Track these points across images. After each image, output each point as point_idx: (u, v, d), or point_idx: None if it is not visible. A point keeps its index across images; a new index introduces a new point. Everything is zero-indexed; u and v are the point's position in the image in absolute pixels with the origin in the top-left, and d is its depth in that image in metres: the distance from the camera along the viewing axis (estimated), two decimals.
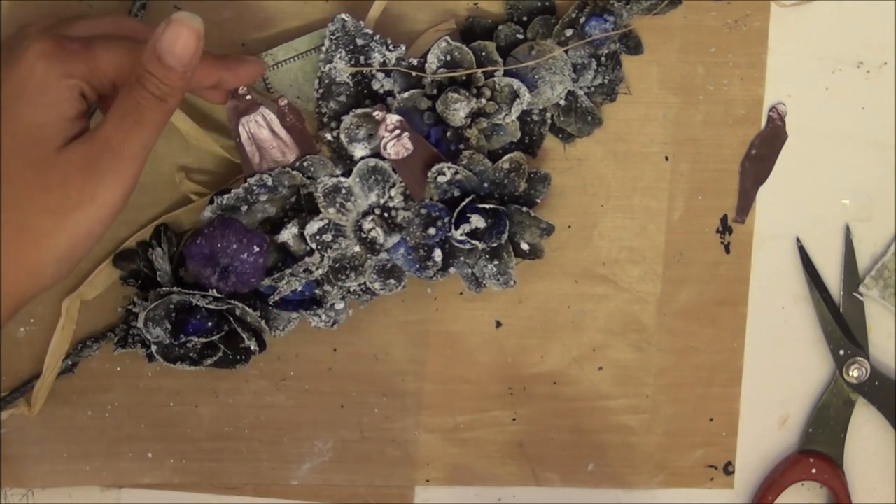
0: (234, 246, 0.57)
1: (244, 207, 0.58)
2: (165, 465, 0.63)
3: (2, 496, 0.62)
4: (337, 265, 0.59)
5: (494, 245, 0.59)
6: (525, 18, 0.60)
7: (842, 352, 0.65)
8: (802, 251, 0.65)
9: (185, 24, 0.49)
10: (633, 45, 0.61)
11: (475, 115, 0.58)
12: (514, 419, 0.64)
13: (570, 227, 0.63)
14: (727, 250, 0.64)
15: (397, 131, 0.56)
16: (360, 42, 0.57)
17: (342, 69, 0.58)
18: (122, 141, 0.50)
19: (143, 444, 0.62)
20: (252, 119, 0.57)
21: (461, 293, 0.63)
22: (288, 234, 0.58)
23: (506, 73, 0.59)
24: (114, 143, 0.50)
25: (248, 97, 0.57)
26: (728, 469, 0.65)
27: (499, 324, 0.63)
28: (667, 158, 0.63)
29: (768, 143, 0.64)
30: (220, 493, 0.63)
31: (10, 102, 0.49)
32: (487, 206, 0.58)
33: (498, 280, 0.60)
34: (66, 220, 0.49)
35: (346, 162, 0.58)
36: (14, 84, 0.50)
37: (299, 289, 0.60)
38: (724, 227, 0.64)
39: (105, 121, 0.50)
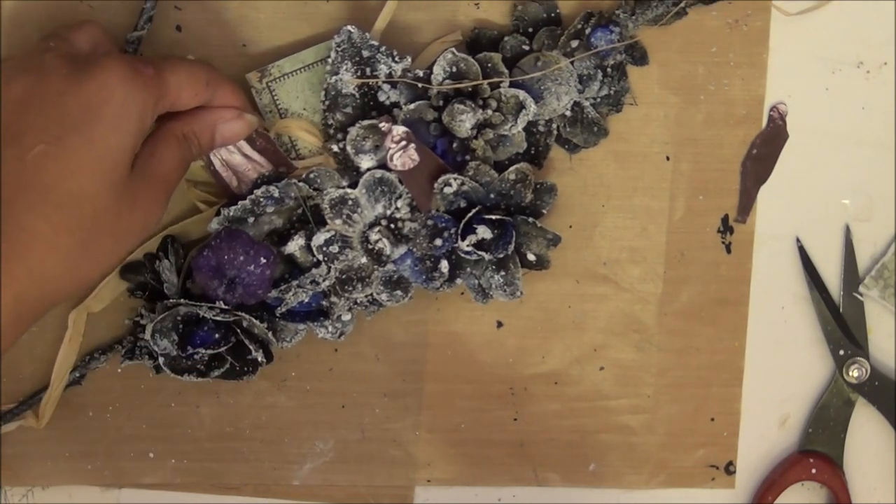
0: (241, 258, 0.57)
1: (251, 219, 0.58)
2: (167, 465, 0.63)
3: (2, 496, 0.62)
4: (343, 276, 0.59)
5: (501, 256, 0.59)
6: (531, 30, 0.60)
7: (842, 352, 0.65)
8: (802, 251, 0.65)
9: (249, 124, 0.56)
10: (638, 55, 0.61)
11: (481, 127, 0.58)
12: (514, 419, 0.64)
13: (570, 227, 0.63)
14: (728, 250, 0.64)
15: (403, 143, 0.56)
16: (366, 54, 0.57)
17: (348, 81, 0.58)
18: (172, 182, 0.54)
19: (144, 444, 0.62)
20: (222, 147, 0.57)
21: (462, 293, 0.63)
22: (295, 246, 0.58)
23: (512, 85, 0.59)
24: (169, 182, 0.53)
25: None
26: (729, 469, 0.65)
27: (500, 324, 0.63)
28: (668, 158, 0.63)
29: (769, 142, 0.64)
30: (221, 493, 0.63)
31: (85, 124, 0.49)
32: (494, 216, 0.58)
33: (504, 291, 0.60)
34: (124, 243, 0.52)
35: (352, 173, 0.58)
36: (89, 105, 0.49)
37: (306, 300, 0.60)
38: (725, 227, 0.64)
39: (161, 160, 0.53)
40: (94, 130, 0.49)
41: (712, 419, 0.65)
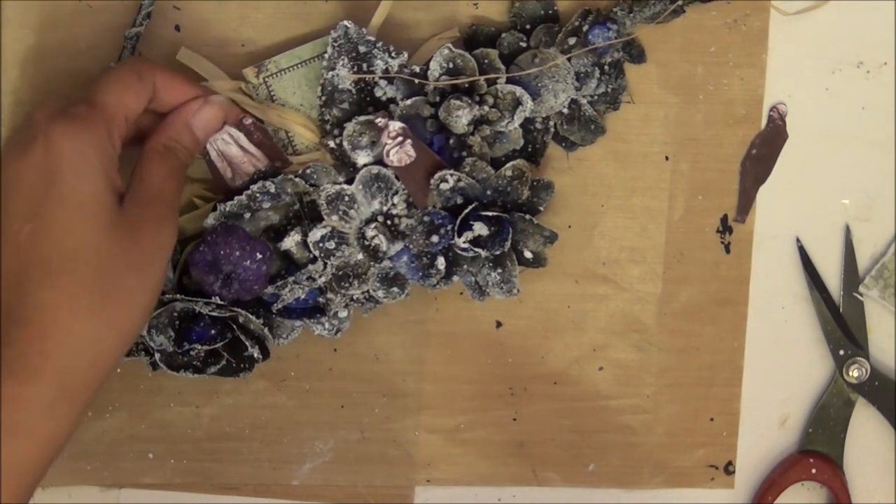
0: (238, 253, 0.57)
1: (247, 215, 0.58)
2: (166, 465, 0.63)
3: None
4: (340, 273, 0.59)
5: (497, 253, 0.59)
6: (528, 26, 0.60)
7: (842, 352, 0.65)
8: (802, 251, 0.65)
9: (219, 106, 0.56)
10: (636, 53, 0.61)
11: (478, 123, 0.58)
12: (514, 419, 0.64)
13: (570, 227, 0.63)
14: (727, 250, 0.64)
15: (400, 139, 0.56)
16: (362, 49, 0.57)
17: (345, 76, 0.58)
18: (168, 196, 0.53)
19: (144, 445, 0.62)
20: (219, 138, 0.57)
21: (461, 293, 0.63)
22: (291, 242, 0.58)
23: (508, 81, 0.59)
24: (164, 197, 0.53)
25: None
26: (729, 469, 0.65)
27: (499, 324, 0.63)
28: (667, 158, 0.63)
29: (768, 142, 0.64)
30: (221, 493, 0.63)
31: (51, 187, 0.49)
32: (490, 213, 0.58)
33: (501, 288, 0.60)
34: (146, 274, 0.51)
35: (348, 169, 0.58)
36: (46, 170, 0.49)
37: (302, 297, 0.60)
38: (725, 227, 0.64)
39: (148, 180, 0.53)
40: (62, 189, 0.49)
41: (712, 419, 0.65)
